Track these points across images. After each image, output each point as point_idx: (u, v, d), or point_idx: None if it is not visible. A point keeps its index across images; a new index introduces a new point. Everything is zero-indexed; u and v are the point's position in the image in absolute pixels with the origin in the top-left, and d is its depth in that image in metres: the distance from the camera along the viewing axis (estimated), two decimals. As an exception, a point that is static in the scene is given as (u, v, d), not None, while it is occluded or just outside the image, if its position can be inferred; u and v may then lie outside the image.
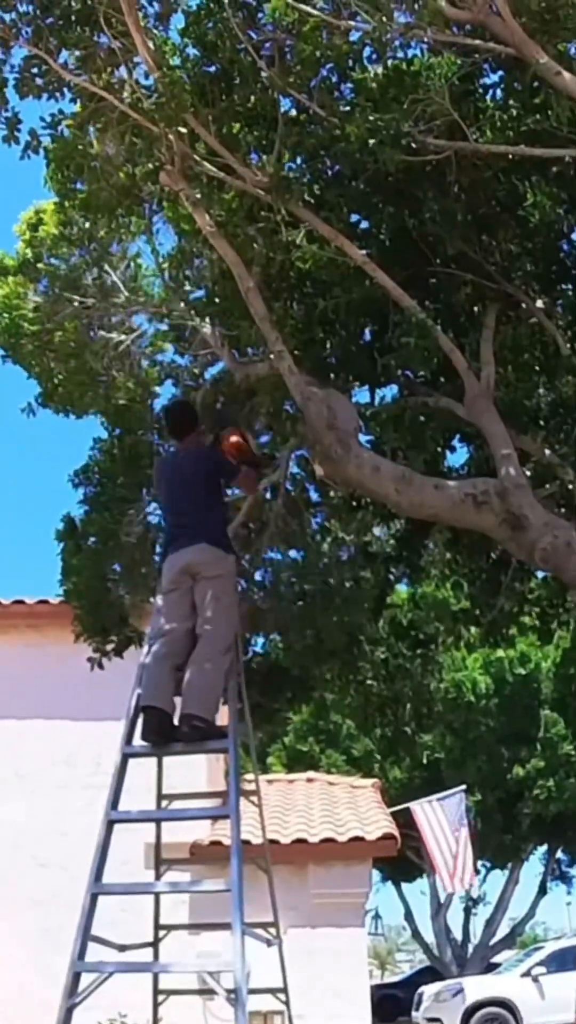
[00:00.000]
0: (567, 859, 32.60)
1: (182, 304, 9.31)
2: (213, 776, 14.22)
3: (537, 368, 9.11)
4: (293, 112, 7.93)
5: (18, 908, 15.03)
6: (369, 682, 13.06)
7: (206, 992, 7.24)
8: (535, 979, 22.48)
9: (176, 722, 7.17)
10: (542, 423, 9.23)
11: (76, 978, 6.40)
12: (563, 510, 8.80)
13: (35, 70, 7.65)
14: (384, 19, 7.09)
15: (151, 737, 7.17)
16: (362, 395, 9.47)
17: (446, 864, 21.97)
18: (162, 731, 7.15)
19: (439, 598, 24.07)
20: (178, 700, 7.24)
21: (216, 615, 7.29)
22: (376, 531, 10.70)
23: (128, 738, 7.25)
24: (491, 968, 28.86)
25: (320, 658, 10.72)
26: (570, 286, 9.26)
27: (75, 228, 9.22)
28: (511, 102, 7.82)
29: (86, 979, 6.41)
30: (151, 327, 9.84)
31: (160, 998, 7.83)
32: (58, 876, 14.30)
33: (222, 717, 7.64)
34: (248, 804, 7.76)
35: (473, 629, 12.27)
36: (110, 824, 6.94)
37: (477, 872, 32.01)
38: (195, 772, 12.22)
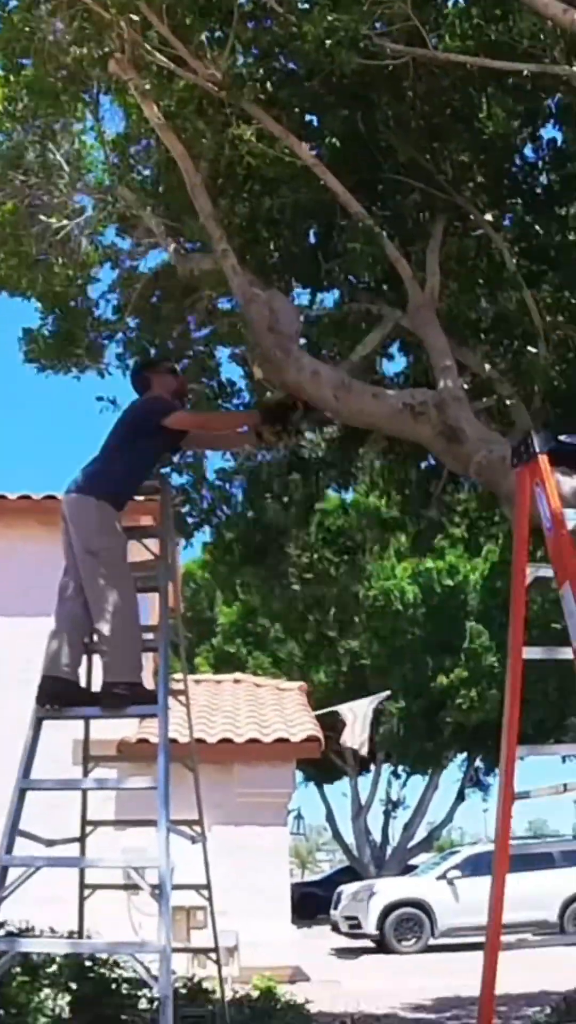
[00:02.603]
0: (485, 767, 33.26)
1: (127, 191, 9.12)
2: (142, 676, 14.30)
3: (481, 281, 9.07)
4: (249, 6, 7.75)
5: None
6: (294, 586, 13.07)
7: (131, 887, 7.33)
8: (450, 882, 23.04)
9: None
10: (483, 337, 9.22)
11: (3, 872, 6.46)
12: (498, 420, 8.81)
13: (-18, -53, 7.40)
14: None
15: (45, 702, 6.92)
16: (303, 298, 9.43)
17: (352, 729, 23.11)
18: (58, 697, 6.91)
19: (369, 506, 24.30)
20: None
21: (93, 576, 6.89)
22: (309, 436, 10.67)
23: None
24: (408, 870, 29.52)
25: (245, 560, 10.75)
26: (519, 200, 9.21)
27: (20, 104, 8.91)
28: (473, 11, 7.68)
29: (14, 873, 6.47)
30: (95, 210, 9.64)
31: (86, 892, 7.94)
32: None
33: (153, 617, 7.63)
34: (176, 703, 7.80)
35: (402, 538, 12.31)
36: (39, 721, 6.96)
37: (396, 775, 32.73)
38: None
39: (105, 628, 6.87)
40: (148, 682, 7.24)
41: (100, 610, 6.86)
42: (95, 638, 7.09)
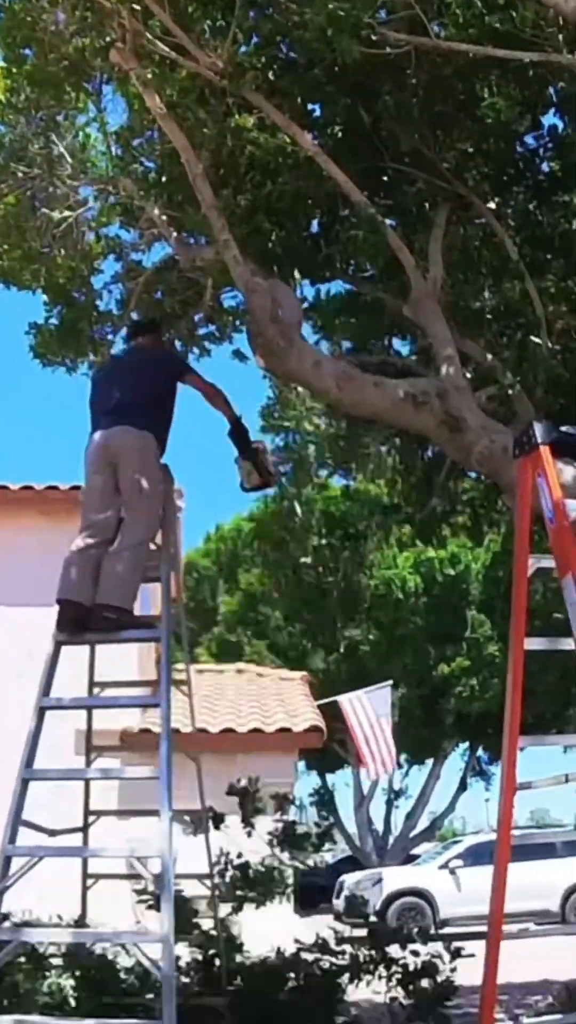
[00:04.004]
0: (487, 757, 33.31)
1: (129, 182, 9.12)
2: (144, 665, 14.31)
3: (483, 271, 9.06)
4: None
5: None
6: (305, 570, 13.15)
7: (133, 877, 7.35)
8: (452, 871, 23.08)
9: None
10: (485, 326, 9.22)
11: (7, 862, 6.45)
12: (501, 410, 8.80)
13: None
14: None
15: (64, 628, 7.07)
16: (306, 290, 9.45)
17: (370, 752, 22.60)
18: (77, 623, 7.07)
19: (371, 493, 24.27)
20: None
21: (136, 503, 7.13)
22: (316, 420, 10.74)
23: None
24: (410, 860, 29.57)
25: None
26: (521, 189, 9.20)
27: (22, 96, 8.90)
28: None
29: (17, 863, 6.48)
30: (97, 202, 9.65)
31: (89, 882, 7.95)
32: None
33: (154, 607, 7.65)
34: (178, 693, 7.81)
35: (405, 528, 12.36)
36: (42, 711, 6.96)
37: (399, 766, 32.72)
38: (126, 661, 12.27)
39: (123, 555, 7.06)
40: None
41: (126, 538, 7.08)
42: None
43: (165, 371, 7.42)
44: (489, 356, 8.90)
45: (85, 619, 7.06)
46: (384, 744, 22.79)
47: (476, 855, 22.77)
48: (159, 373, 7.38)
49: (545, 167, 9.14)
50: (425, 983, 7.65)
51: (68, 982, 7.78)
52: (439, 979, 7.63)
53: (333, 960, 7.92)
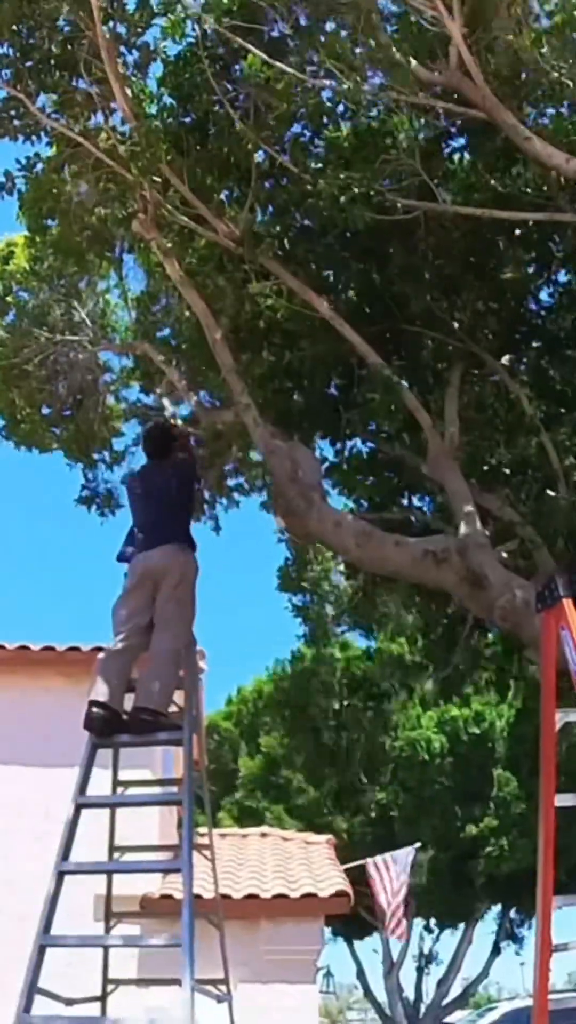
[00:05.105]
0: (519, 919, 32.35)
1: (149, 347, 9.35)
2: (166, 829, 14.08)
3: (499, 427, 9.16)
4: (266, 166, 8.01)
5: (-37, 959, 14.68)
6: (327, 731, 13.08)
7: (154, 1049, 7.12)
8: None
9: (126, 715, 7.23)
10: (503, 481, 9.28)
11: (22, 1032, 6.27)
12: (522, 563, 8.80)
13: (13, 112, 7.72)
14: (358, 79, 7.19)
15: (94, 728, 7.17)
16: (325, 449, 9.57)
17: (392, 912, 22.04)
18: (106, 723, 7.15)
19: (393, 652, 24.17)
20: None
21: (174, 612, 7.34)
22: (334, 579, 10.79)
23: (82, 788, 7.14)
24: (444, 1029, 28.57)
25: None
26: (534, 345, 9.36)
27: (45, 264, 9.24)
28: (477, 162, 7.95)
29: (32, 1032, 6.28)
30: (118, 363, 9.93)
31: (107, 1054, 7.69)
32: (4, 926, 14.02)
33: (177, 770, 7.56)
34: (201, 858, 7.67)
35: (427, 686, 12.30)
36: (60, 875, 6.83)
37: (429, 931, 31.86)
38: (147, 824, 12.09)
39: (156, 660, 7.23)
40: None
41: (159, 644, 7.27)
42: (136, 675, 7.36)
43: (187, 476, 7.81)
44: (508, 510, 8.94)
45: (114, 721, 7.18)
46: (399, 906, 22.27)
47: (513, 1022, 21.93)
48: (183, 480, 7.72)
49: (556, 323, 9.30)
50: None
51: None
52: None
53: None
